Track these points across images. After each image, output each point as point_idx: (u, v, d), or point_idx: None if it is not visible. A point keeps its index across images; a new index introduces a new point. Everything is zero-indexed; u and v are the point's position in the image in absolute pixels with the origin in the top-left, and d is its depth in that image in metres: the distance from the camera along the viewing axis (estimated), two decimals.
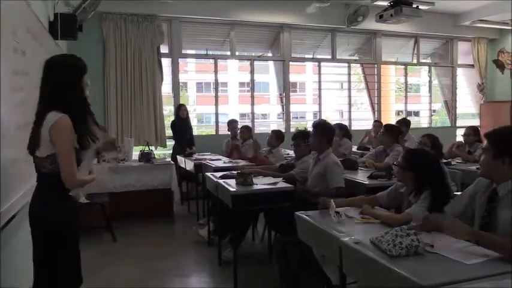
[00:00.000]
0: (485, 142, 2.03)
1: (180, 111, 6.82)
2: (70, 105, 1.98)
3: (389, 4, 5.95)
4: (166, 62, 7.36)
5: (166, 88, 7.39)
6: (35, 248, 2.03)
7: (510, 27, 8.71)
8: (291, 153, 5.07)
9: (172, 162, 5.96)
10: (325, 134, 3.67)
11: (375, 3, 7.38)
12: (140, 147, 6.05)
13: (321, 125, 3.76)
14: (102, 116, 6.67)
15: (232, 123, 6.57)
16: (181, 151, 6.37)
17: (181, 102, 7.32)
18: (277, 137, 5.30)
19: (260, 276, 3.75)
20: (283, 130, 7.76)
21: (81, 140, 2.01)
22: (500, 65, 9.68)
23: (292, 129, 7.71)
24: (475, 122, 9.14)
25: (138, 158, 5.82)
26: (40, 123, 1.94)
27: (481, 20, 8.61)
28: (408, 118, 7.40)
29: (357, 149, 6.40)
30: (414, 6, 5.89)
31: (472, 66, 9.72)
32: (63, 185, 1.98)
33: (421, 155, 2.58)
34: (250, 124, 7.93)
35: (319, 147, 3.65)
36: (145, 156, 5.74)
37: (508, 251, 1.69)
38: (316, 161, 3.66)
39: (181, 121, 6.78)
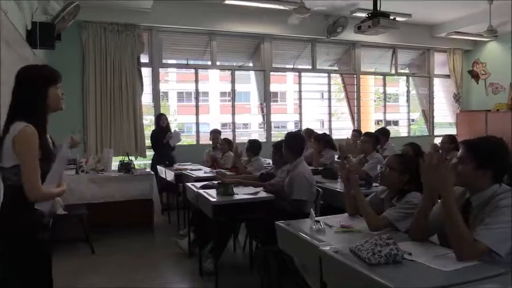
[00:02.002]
0: (460, 150, 1.97)
1: (161, 120, 6.78)
2: (34, 115, 1.94)
3: (367, 16, 6.05)
4: (146, 72, 7.31)
5: (146, 98, 7.33)
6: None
7: (484, 39, 8.96)
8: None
9: (153, 173, 5.90)
10: (294, 145, 3.77)
11: (353, 14, 7.51)
12: (120, 158, 5.96)
13: (289, 137, 3.92)
14: (80, 127, 6.55)
15: (214, 133, 6.56)
16: (161, 161, 6.32)
17: (162, 112, 7.27)
18: (251, 147, 5.30)
19: (241, 286, 3.73)
20: (265, 140, 7.80)
21: (45, 150, 1.96)
22: (475, 76, 9.94)
23: (274, 139, 7.74)
24: (452, 131, 9.32)
25: (117, 169, 5.75)
26: (6, 133, 1.90)
27: (456, 32, 8.86)
28: (387, 127, 7.51)
29: (338, 158, 6.45)
30: (391, 18, 6.00)
31: (448, 76, 9.95)
32: (26, 198, 1.89)
33: (412, 160, 2.65)
34: (231, 134, 7.95)
35: (288, 158, 3.77)
36: (125, 167, 5.67)
37: (467, 248, 1.71)
38: (287, 172, 3.73)
39: (162, 131, 6.73)
